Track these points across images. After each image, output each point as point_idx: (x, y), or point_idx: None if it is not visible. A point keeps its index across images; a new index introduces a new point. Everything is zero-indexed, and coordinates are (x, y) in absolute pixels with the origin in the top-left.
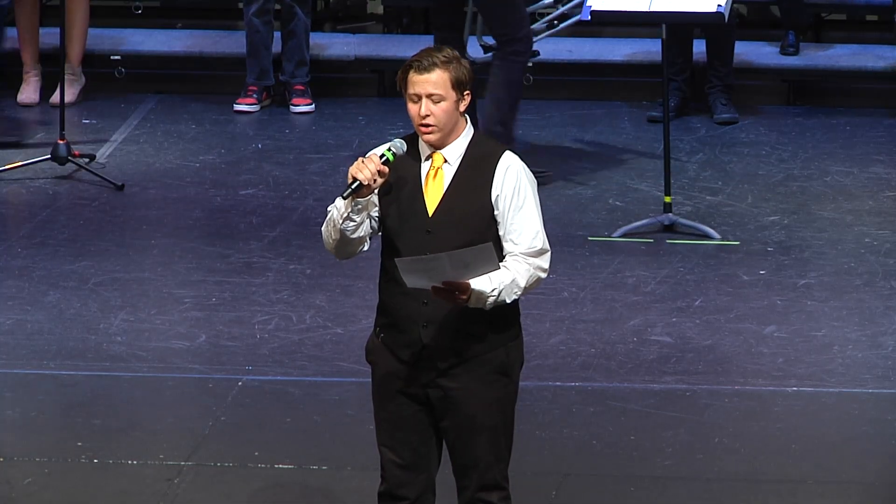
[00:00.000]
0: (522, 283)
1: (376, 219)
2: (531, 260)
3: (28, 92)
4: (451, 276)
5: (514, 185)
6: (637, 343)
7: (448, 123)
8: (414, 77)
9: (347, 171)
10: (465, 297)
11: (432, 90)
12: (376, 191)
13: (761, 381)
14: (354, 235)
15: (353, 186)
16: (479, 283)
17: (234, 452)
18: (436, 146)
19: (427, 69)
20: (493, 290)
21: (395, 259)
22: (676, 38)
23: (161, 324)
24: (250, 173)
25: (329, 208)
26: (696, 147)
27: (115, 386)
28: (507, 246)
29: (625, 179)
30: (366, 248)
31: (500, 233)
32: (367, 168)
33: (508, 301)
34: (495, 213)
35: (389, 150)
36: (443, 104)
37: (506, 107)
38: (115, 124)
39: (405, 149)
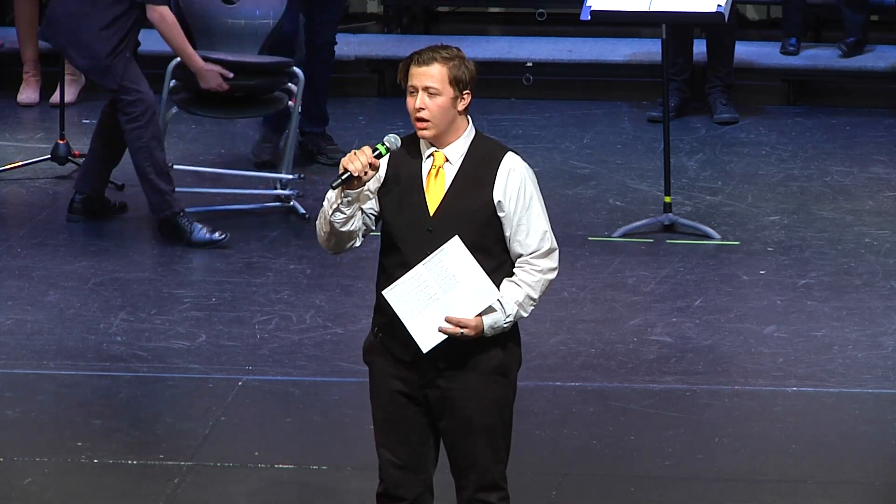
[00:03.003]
0: (536, 295)
1: (371, 216)
2: (541, 264)
3: (28, 92)
4: (443, 290)
5: (518, 186)
6: (637, 343)
7: (443, 120)
8: (413, 70)
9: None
10: (470, 332)
11: (429, 83)
12: (373, 186)
13: (761, 381)
14: (344, 229)
15: (343, 177)
16: (492, 317)
17: (234, 452)
18: (433, 144)
19: (426, 62)
20: (508, 317)
21: (383, 293)
22: (676, 38)
23: (161, 324)
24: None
25: (324, 202)
26: (696, 147)
27: (115, 386)
28: (514, 247)
29: (625, 179)
30: (357, 244)
31: (507, 234)
32: (358, 160)
33: (526, 315)
34: (500, 214)
35: (382, 143)
36: (439, 99)
37: (148, 173)
38: None
39: (399, 144)
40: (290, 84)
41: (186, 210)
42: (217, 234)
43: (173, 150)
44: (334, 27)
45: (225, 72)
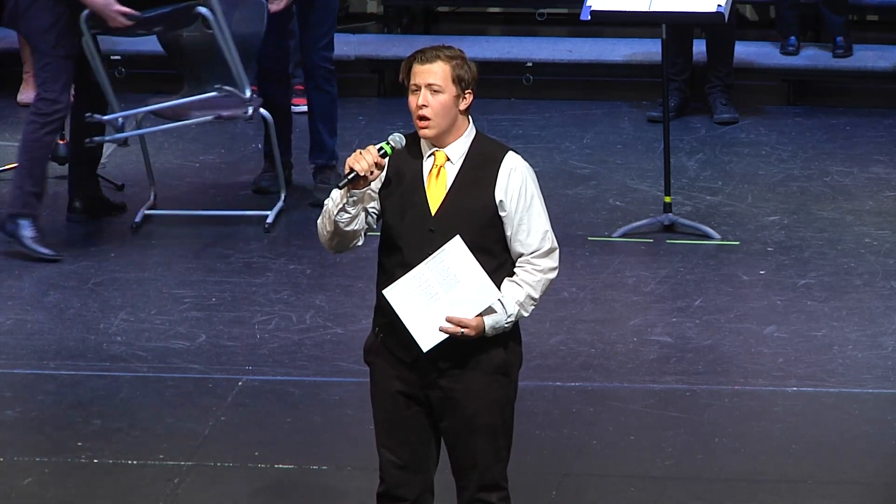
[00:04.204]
0: (537, 294)
1: (374, 215)
2: (541, 264)
3: (28, 92)
4: (444, 290)
5: (519, 186)
6: (637, 343)
7: (445, 119)
8: (416, 67)
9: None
10: (471, 332)
11: (432, 80)
12: (375, 186)
13: (761, 381)
14: (348, 228)
15: (350, 177)
16: (493, 318)
17: (234, 452)
18: (434, 143)
19: (430, 60)
20: (509, 317)
21: (384, 292)
22: (676, 38)
23: (161, 324)
24: (250, 173)
25: (326, 202)
26: (696, 147)
27: (115, 386)
28: (515, 247)
29: (625, 179)
30: (360, 243)
31: (508, 234)
32: (364, 159)
33: (527, 315)
34: (501, 214)
35: (388, 142)
36: (441, 97)
37: (24, 171)
38: None
39: (404, 142)
40: (199, 8)
41: (183, 210)
42: (48, 250)
43: (173, 148)
44: (321, 49)
45: (129, 11)
